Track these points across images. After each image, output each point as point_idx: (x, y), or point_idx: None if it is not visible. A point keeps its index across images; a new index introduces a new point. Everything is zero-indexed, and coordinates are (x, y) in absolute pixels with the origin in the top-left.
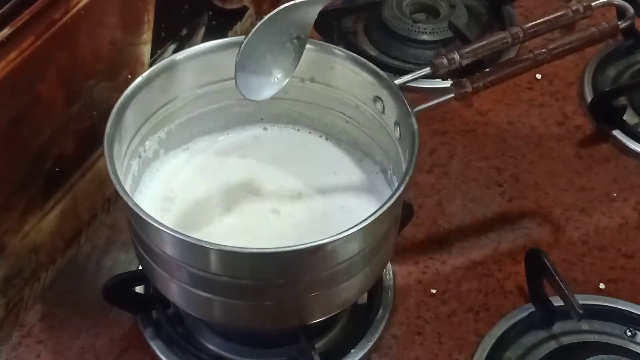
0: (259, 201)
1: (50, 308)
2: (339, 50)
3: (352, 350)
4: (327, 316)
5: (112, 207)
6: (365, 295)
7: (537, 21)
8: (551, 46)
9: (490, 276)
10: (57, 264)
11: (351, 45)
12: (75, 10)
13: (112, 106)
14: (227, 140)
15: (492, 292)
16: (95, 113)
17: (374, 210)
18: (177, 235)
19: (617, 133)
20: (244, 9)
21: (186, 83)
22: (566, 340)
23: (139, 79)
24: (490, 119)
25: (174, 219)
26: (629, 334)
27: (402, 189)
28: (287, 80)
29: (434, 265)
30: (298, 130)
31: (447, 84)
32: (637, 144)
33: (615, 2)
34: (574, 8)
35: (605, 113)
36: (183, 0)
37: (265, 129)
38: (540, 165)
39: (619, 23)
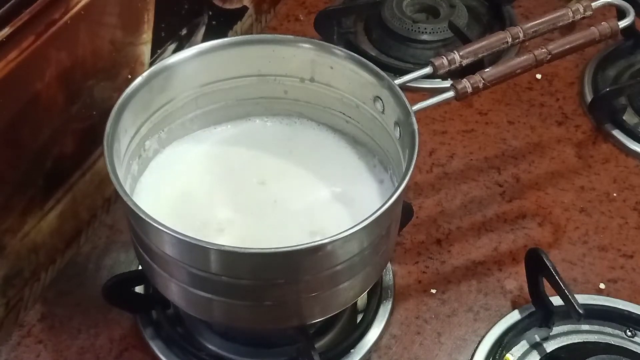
0: (258, 193)
1: (50, 308)
2: (339, 50)
3: (352, 350)
4: (327, 316)
5: (112, 207)
6: (365, 295)
7: (537, 21)
8: (551, 46)
9: (490, 276)
10: (57, 264)
11: (351, 45)
12: (75, 10)
13: (112, 106)
14: (227, 132)
15: (492, 292)
16: (95, 113)
17: (374, 210)
18: (176, 235)
19: (617, 133)
20: (244, 9)
21: (186, 83)
22: (566, 340)
23: (138, 79)
24: (490, 119)
25: (173, 215)
26: (629, 334)
27: (402, 188)
28: None
29: (434, 265)
30: (295, 122)
31: (447, 84)
32: (637, 144)
33: (615, 2)
34: (574, 8)
35: (605, 113)
36: (183, 0)
37: (265, 121)
38: (540, 165)
39: (619, 23)
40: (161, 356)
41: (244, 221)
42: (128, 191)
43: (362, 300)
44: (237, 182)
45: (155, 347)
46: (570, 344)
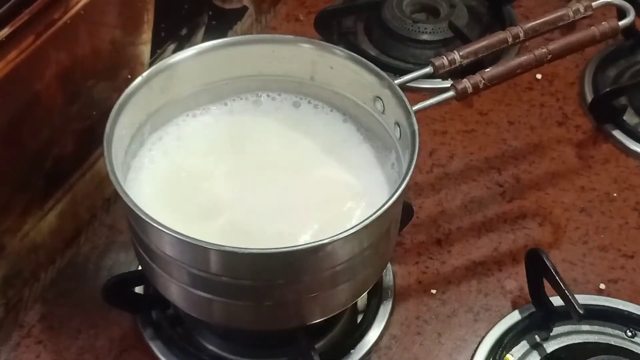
0: (257, 179)
1: (49, 308)
2: (339, 50)
3: (352, 351)
4: (327, 317)
5: (111, 207)
6: (365, 295)
7: (537, 21)
8: (551, 46)
9: (490, 276)
10: (56, 264)
11: (351, 45)
12: (75, 10)
13: (111, 106)
14: (227, 122)
15: (492, 292)
16: (95, 113)
17: (374, 210)
18: (176, 235)
19: (617, 133)
20: (244, 9)
21: (186, 83)
22: (566, 340)
23: (138, 79)
24: (490, 119)
25: (168, 202)
26: (629, 334)
27: (402, 189)
28: None
29: (434, 265)
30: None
31: (447, 83)
32: (637, 144)
33: (616, 2)
34: (574, 8)
35: (605, 113)
36: (183, 0)
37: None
38: (540, 166)
39: (619, 23)
40: (161, 357)
41: (242, 207)
42: (127, 190)
43: (362, 300)
44: (238, 167)
45: (155, 347)
46: (571, 344)
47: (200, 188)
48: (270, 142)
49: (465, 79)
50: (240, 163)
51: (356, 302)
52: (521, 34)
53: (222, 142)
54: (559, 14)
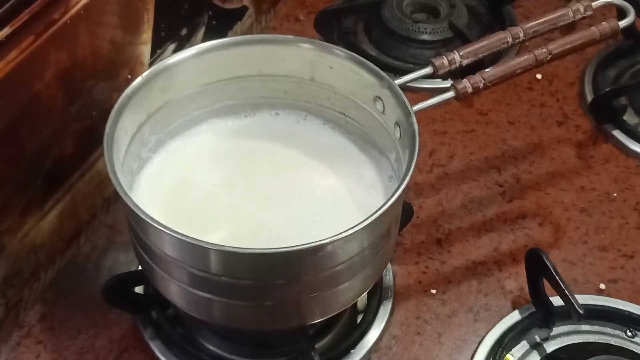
0: (259, 188)
1: (49, 308)
2: (339, 50)
3: (352, 351)
4: (327, 317)
5: (111, 207)
6: (365, 295)
7: (537, 21)
8: (551, 46)
9: (490, 276)
10: (56, 264)
11: (351, 45)
12: (75, 10)
13: (111, 106)
14: (228, 127)
15: (492, 292)
16: (95, 113)
17: (375, 210)
18: (176, 235)
19: (617, 133)
20: (244, 9)
21: (186, 83)
22: (566, 340)
23: (138, 79)
24: (490, 119)
25: (170, 210)
26: (629, 334)
27: (402, 189)
28: None
29: (434, 265)
30: (300, 119)
31: (447, 84)
32: (637, 144)
33: (616, 2)
34: (574, 8)
35: (605, 113)
36: (183, 0)
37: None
38: (540, 165)
39: (619, 23)
40: (161, 357)
41: (244, 217)
42: (127, 191)
43: (362, 300)
44: (238, 177)
45: (155, 347)
46: (571, 344)
47: (197, 200)
48: (270, 154)
49: (465, 79)
50: (239, 175)
51: (356, 302)
52: (521, 34)
53: (221, 156)
54: (559, 14)
